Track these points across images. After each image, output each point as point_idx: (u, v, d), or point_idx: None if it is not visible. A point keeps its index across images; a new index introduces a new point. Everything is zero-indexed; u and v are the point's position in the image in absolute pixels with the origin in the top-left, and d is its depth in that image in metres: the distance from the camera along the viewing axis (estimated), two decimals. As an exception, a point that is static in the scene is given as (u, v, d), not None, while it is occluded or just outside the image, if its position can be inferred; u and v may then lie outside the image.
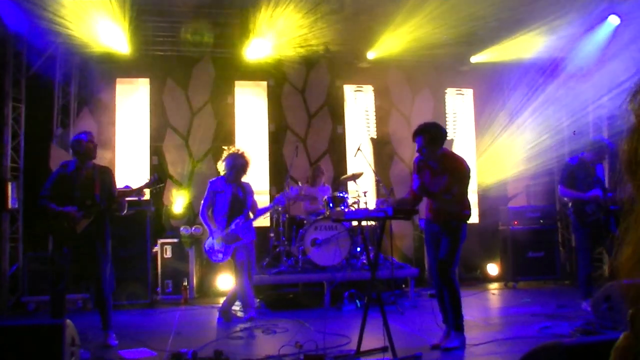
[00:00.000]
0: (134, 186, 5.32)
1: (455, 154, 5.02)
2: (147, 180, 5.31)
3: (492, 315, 6.58)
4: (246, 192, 6.18)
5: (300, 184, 7.77)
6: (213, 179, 6.30)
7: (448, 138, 5.37)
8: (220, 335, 5.43)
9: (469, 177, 4.80)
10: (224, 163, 6.12)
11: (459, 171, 4.74)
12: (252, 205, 6.25)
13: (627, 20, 7.67)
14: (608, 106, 8.72)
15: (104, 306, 5.09)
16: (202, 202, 6.15)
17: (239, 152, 6.16)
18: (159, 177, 5.40)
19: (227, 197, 6.07)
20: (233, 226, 5.97)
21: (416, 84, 9.66)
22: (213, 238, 6.00)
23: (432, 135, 4.70)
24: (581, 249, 6.29)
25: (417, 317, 6.15)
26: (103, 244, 5.10)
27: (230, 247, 5.93)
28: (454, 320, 4.72)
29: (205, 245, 6.10)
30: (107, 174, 5.25)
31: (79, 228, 4.96)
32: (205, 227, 6.15)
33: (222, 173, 6.16)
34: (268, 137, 9.19)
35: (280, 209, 7.11)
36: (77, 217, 4.94)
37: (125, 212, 5.25)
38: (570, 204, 6.29)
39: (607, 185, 6.19)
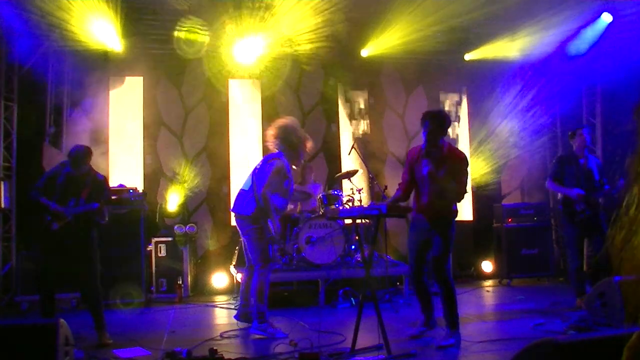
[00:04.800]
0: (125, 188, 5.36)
1: (454, 146, 5.13)
2: (132, 193, 5.36)
3: (486, 312, 6.60)
4: None
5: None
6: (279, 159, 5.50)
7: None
8: (215, 333, 5.42)
9: (467, 167, 4.89)
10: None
11: (460, 159, 4.82)
12: None
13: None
14: (601, 101, 8.78)
15: (94, 308, 5.10)
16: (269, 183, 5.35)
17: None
18: (144, 194, 5.40)
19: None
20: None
21: (410, 82, 9.67)
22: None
23: (439, 122, 4.80)
24: (569, 245, 6.36)
25: (412, 315, 6.15)
26: (88, 251, 5.08)
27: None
28: (450, 318, 4.74)
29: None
30: (99, 184, 5.22)
31: (58, 223, 4.96)
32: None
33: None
34: (262, 135, 9.17)
35: None
36: (64, 214, 4.94)
37: (106, 220, 5.18)
38: (561, 200, 6.39)
39: (597, 177, 6.16)
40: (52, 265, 4.99)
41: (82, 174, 5.12)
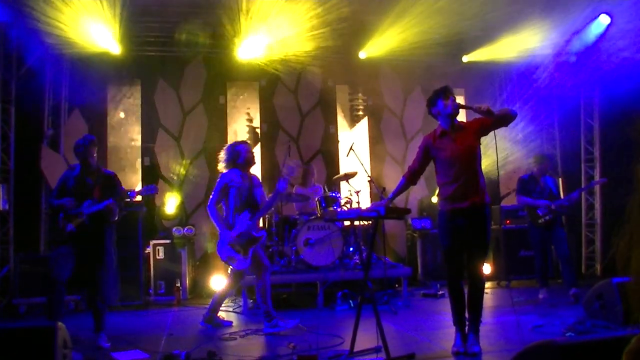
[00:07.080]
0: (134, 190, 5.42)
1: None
2: (144, 189, 5.42)
3: (485, 314, 6.58)
4: (254, 184, 5.69)
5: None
6: (225, 171, 5.65)
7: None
8: (213, 336, 5.42)
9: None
10: (230, 154, 5.62)
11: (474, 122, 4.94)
12: (262, 197, 5.72)
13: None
14: (599, 103, 8.78)
15: (97, 310, 5.10)
16: (212, 195, 5.60)
17: (242, 141, 5.82)
18: (156, 188, 5.45)
19: (244, 190, 5.58)
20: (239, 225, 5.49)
21: (408, 84, 9.68)
22: (225, 241, 5.50)
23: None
24: (534, 245, 7.19)
25: (410, 317, 6.15)
26: (101, 251, 5.10)
27: (249, 250, 5.48)
28: (478, 322, 4.55)
29: (219, 250, 5.53)
30: (110, 180, 5.24)
31: (72, 224, 4.97)
32: (215, 225, 5.59)
33: (223, 168, 5.66)
34: (260, 137, 9.18)
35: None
36: (80, 212, 4.96)
37: (116, 218, 5.19)
38: (525, 209, 7.25)
39: (556, 192, 7.15)
40: (67, 267, 4.98)
41: (91, 172, 5.14)
